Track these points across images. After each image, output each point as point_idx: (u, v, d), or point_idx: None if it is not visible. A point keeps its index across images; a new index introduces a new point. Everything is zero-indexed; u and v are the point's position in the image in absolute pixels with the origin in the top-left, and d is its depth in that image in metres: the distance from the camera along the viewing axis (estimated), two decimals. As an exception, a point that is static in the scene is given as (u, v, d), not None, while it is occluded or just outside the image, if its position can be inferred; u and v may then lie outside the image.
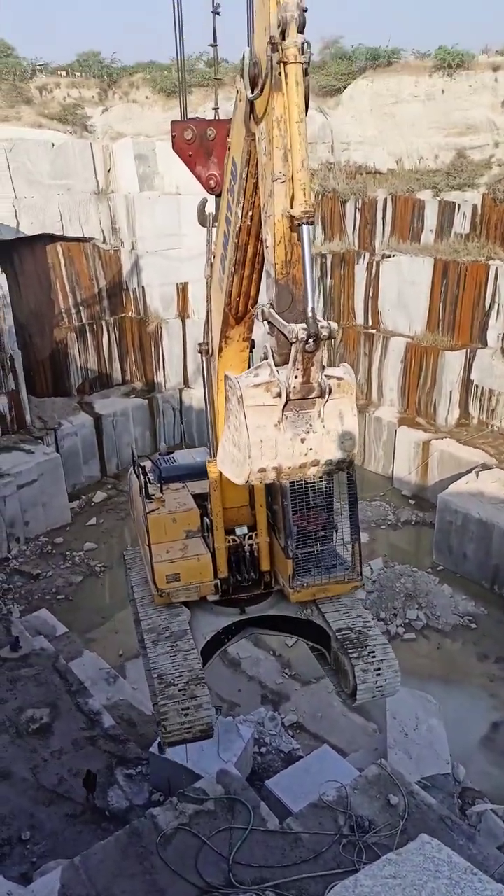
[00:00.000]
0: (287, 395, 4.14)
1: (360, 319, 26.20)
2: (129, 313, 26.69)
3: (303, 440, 4.28)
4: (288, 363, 4.10)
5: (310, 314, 4.08)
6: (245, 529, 8.26)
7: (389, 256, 24.74)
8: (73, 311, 25.56)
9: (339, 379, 4.31)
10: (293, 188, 4.22)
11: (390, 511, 22.53)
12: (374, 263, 25.13)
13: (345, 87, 28.19)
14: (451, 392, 23.06)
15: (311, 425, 4.28)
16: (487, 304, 22.27)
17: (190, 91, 23.95)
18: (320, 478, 7.45)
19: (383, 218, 25.47)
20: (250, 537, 8.27)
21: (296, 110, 4.14)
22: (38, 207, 23.46)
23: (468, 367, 22.70)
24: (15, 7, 67.22)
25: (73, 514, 22.32)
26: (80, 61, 28.54)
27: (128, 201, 25.05)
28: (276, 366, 4.19)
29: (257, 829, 7.81)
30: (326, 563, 8.10)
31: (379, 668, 7.58)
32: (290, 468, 4.33)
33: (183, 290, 26.07)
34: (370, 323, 25.90)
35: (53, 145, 23.68)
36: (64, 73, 28.23)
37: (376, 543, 20.90)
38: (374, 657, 7.64)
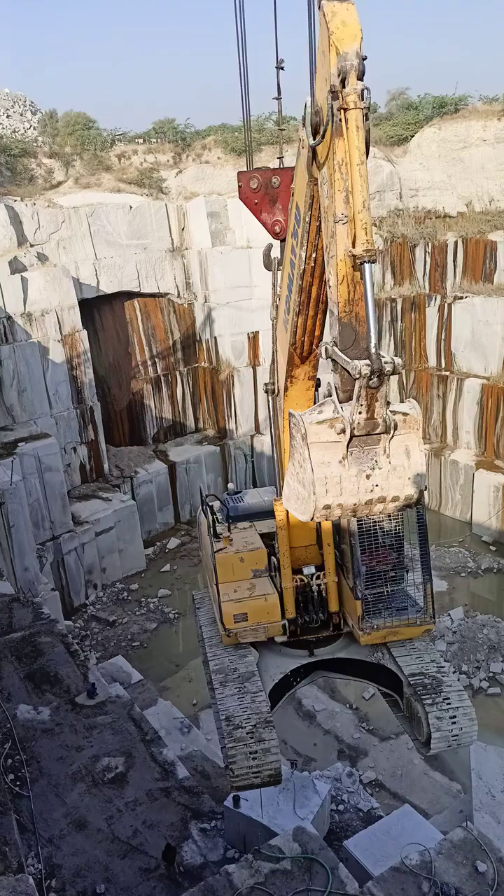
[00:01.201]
0: (351, 432, 4.13)
1: (432, 362, 25.91)
2: (202, 363, 27.39)
3: (368, 476, 4.25)
4: (352, 399, 4.11)
5: (373, 350, 4.11)
6: (313, 569, 8.15)
7: (462, 298, 24.52)
8: (149, 363, 26.48)
9: (405, 415, 4.28)
10: (355, 228, 4.30)
11: (470, 558, 21.73)
12: (446, 305, 24.94)
13: (412, 136, 28.59)
14: (531, 434, 22.31)
15: (376, 462, 4.25)
16: None
17: (259, 149, 24.92)
18: (389, 516, 7.28)
19: (454, 260, 25.35)
20: (318, 577, 8.15)
21: (356, 154, 4.26)
22: (117, 267, 24.68)
23: (548, 408, 21.96)
24: (96, 83, 72.38)
25: (147, 561, 22.66)
26: (155, 129, 30.19)
27: (201, 257, 26.01)
28: (341, 402, 4.21)
29: (336, 892, 7.46)
30: (397, 604, 7.85)
31: (454, 716, 7.23)
32: (355, 505, 4.29)
33: (254, 338, 26.60)
34: (443, 365, 25.56)
35: (131, 208, 25.01)
36: (141, 140, 29.92)
37: (456, 592, 20.13)
38: (448, 704, 7.31)
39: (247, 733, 7.03)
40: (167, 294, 26.42)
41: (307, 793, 9.91)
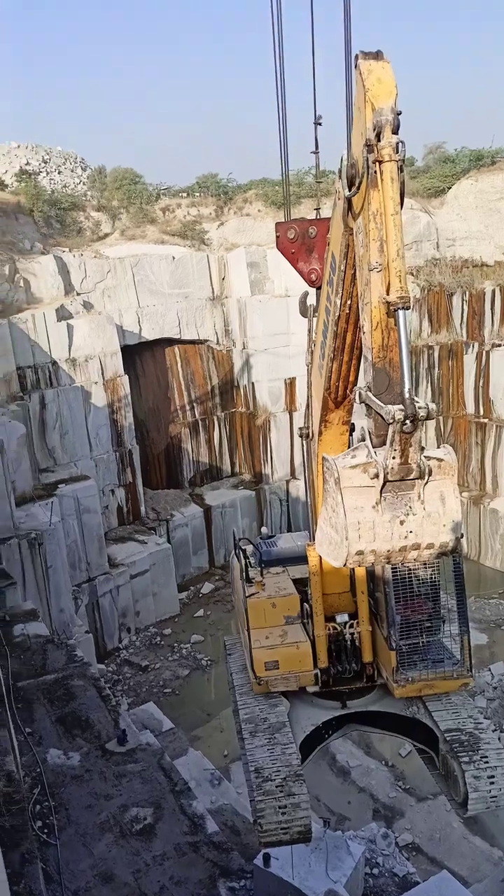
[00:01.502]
0: (385, 477, 4.12)
1: (470, 409, 25.72)
2: (240, 408, 27.69)
3: (402, 522, 4.21)
4: (386, 444, 4.12)
5: (406, 395, 4.13)
6: (346, 617, 7.99)
7: (500, 345, 24.44)
8: (188, 407, 26.89)
9: (440, 460, 4.26)
10: (389, 276, 4.39)
11: (511, 610, 21.10)
12: (484, 353, 24.87)
13: (449, 188, 29.04)
14: None
15: (410, 507, 4.22)
16: None
17: (298, 202, 25.57)
18: (424, 564, 7.16)
19: (492, 308, 25.37)
20: (351, 626, 7.98)
21: (391, 204, 4.37)
22: (159, 314, 25.37)
23: None
24: (143, 140, 75.66)
25: (181, 605, 22.58)
26: (199, 183, 31.32)
27: (240, 305, 26.56)
28: (374, 447, 4.22)
29: None
30: (433, 656, 7.63)
31: (493, 776, 6.92)
32: (388, 551, 4.25)
33: (290, 384, 26.85)
34: (481, 412, 25.34)
35: (174, 258, 25.81)
36: (185, 194, 31.04)
37: (497, 646, 19.50)
38: (486, 763, 7.00)
39: (276, 786, 6.85)
40: (206, 341, 26.96)
41: (340, 854, 9.56)
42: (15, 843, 7.98)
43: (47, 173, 28.52)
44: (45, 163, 28.68)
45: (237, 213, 30.26)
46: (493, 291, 25.30)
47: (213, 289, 26.88)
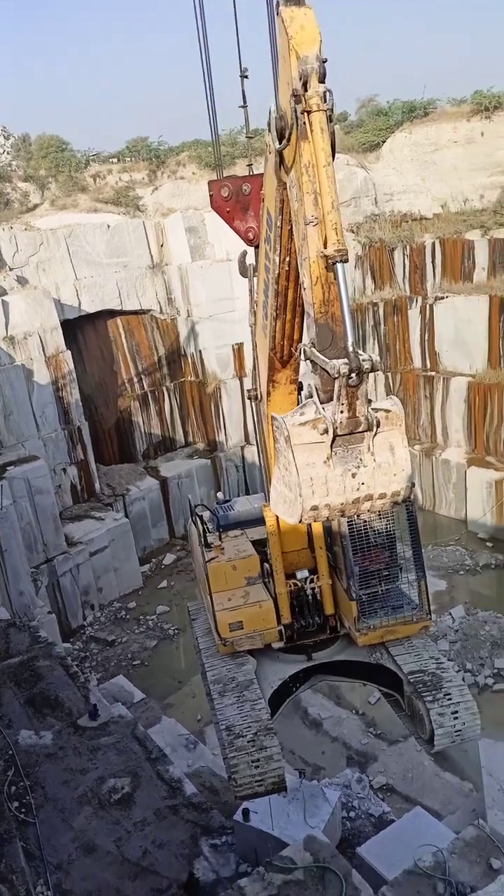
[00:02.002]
0: (334, 431, 4.12)
1: (417, 363, 26.03)
2: (189, 377, 27.40)
3: (354, 475, 4.23)
4: (333, 399, 4.11)
5: (350, 349, 4.11)
6: (306, 573, 8.10)
7: (443, 298, 24.68)
8: (135, 379, 26.45)
9: (387, 411, 4.27)
10: (325, 229, 4.32)
11: (467, 556, 21.71)
12: (428, 307, 25.09)
13: (384, 142, 28.88)
14: (519, 428, 22.40)
15: (361, 460, 4.24)
16: (549, 336, 21.78)
17: (233, 162, 25.05)
18: (379, 515, 7.29)
19: (433, 262, 25.54)
20: (312, 580, 8.10)
21: (322, 155, 4.27)
22: (98, 286, 24.69)
23: (535, 402, 22.07)
24: (67, 105, 72.86)
25: (144, 578, 22.51)
26: (129, 148, 30.35)
27: (181, 272, 26.07)
28: (322, 403, 4.19)
29: (351, 900, 7.34)
30: (392, 603, 7.83)
31: (456, 711, 7.16)
32: (342, 504, 4.27)
33: (238, 350, 26.63)
34: (428, 365, 25.68)
35: (108, 227, 25.06)
36: (115, 160, 30.06)
37: (455, 591, 20.09)
38: (450, 699, 7.23)
39: (248, 742, 6.95)
40: (150, 310, 26.44)
41: (317, 802, 9.79)
42: (-10, 824, 7.87)
43: (-32, 143, 27.21)
44: (-35, 132, 27.33)
45: (171, 177, 29.51)
46: (433, 244, 25.44)
47: (152, 256, 26.28)
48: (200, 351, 26.77)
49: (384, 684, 8.20)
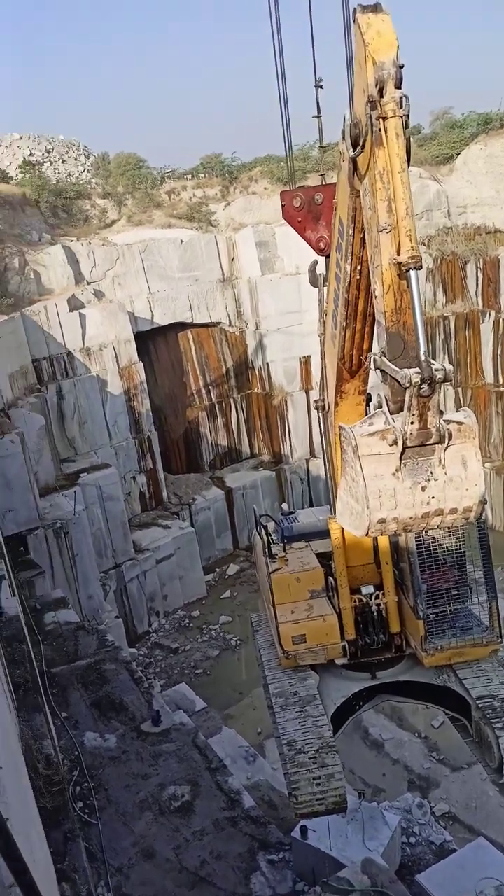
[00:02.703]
0: (404, 442, 4.04)
1: (489, 378, 25.41)
2: (256, 389, 27.63)
3: (423, 488, 4.13)
4: (403, 410, 4.03)
5: (422, 358, 4.04)
6: (371, 588, 7.94)
7: (517, 312, 24.07)
8: (204, 391, 26.88)
9: (460, 423, 4.16)
10: (399, 236, 4.27)
11: (539, 579, 20.97)
12: (501, 320, 24.48)
13: (457, 154, 28.45)
14: None
15: (431, 473, 4.13)
16: None
17: (304, 177, 25.23)
18: (448, 531, 7.12)
19: (507, 275, 24.92)
20: (377, 597, 7.94)
21: (397, 161, 4.25)
22: (170, 299, 25.29)
23: None
24: (144, 124, 75.03)
25: (207, 587, 22.76)
26: (203, 164, 31.00)
27: (251, 285, 26.38)
28: (392, 413, 4.13)
29: (409, 929, 7.22)
30: (461, 624, 7.57)
31: None
32: (411, 518, 4.17)
33: (305, 363, 26.69)
34: (501, 381, 25.03)
35: (182, 242, 25.65)
36: (189, 176, 30.77)
37: (525, 614, 19.41)
38: None
39: (309, 758, 6.89)
40: (219, 323, 26.85)
41: (377, 824, 9.66)
42: (56, 822, 8.15)
43: (51, 163, 28.41)
44: (48, 152, 28.57)
45: (243, 192, 29.94)
46: (508, 257, 24.84)
47: (222, 270, 26.71)
48: (268, 363, 26.96)
49: (450, 708, 7.98)
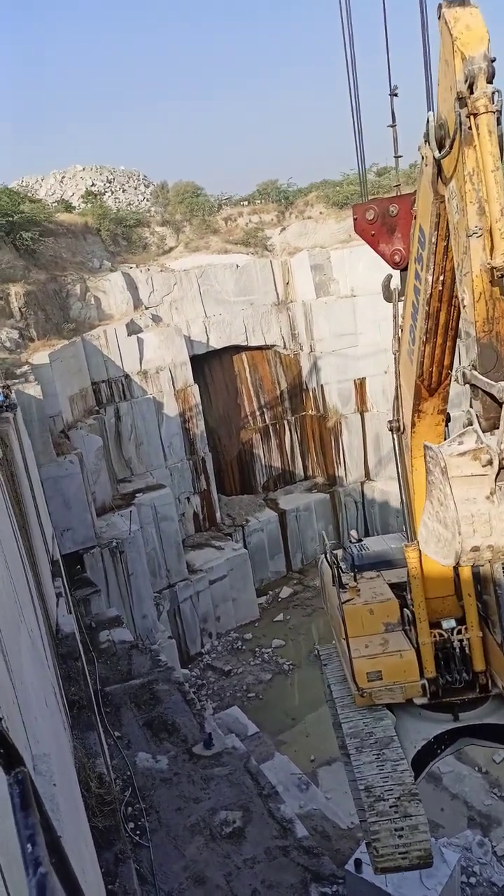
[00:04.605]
0: (500, 463, 3.76)
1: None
2: (310, 411, 27.58)
3: None
4: (498, 428, 3.77)
5: None
6: (453, 622, 7.41)
7: None
8: (258, 413, 27.00)
9: None
10: (492, 239, 4.03)
11: None
12: None
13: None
14: None
15: None
16: None
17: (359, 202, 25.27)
18: None
19: None
20: (459, 631, 7.38)
21: (490, 160, 4.03)
22: (226, 323, 25.63)
23: None
24: (203, 154, 76.96)
25: (260, 610, 22.61)
26: (259, 190, 31.50)
27: (305, 308, 26.50)
28: (484, 431, 3.87)
29: None
30: None
31: None
32: None
33: (360, 385, 26.52)
34: None
35: (237, 267, 26.03)
36: (245, 203, 31.30)
37: None
38: None
39: (390, 807, 6.36)
40: (273, 346, 27.02)
41: (435, 861, 9.28)
42: (108, 842, 8.15)
43: (112, 192, 29.36)
44: (110, 182, 29.54)
45: (299, 217, 30.23)
46: None
47: (277, 294, 26.94)
48: (322, 385, 26.92)
49: None
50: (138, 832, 10.11)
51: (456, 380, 4.36)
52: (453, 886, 9.35)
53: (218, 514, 24.05)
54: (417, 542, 6.88)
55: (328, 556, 8.78)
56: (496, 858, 11.22)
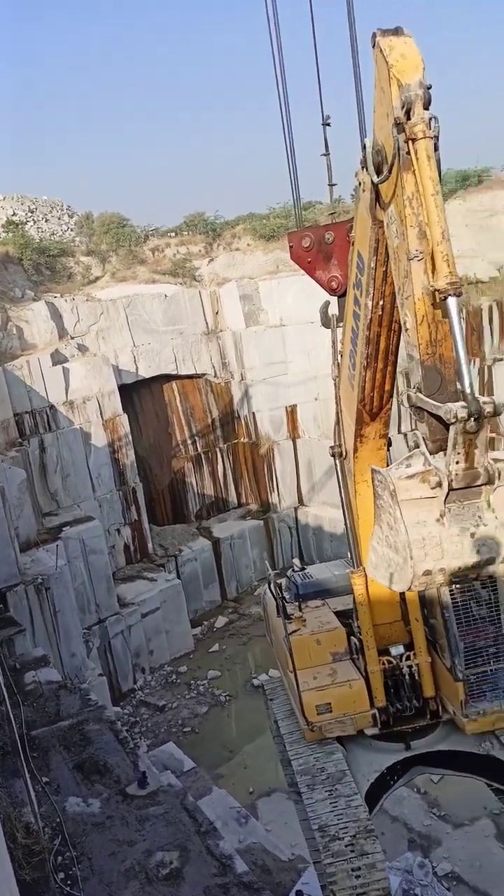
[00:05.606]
0: (449, 485, 3.75)
1: (473, 424, 25.61)
2: (242, 439, 27.64)
3: (473, 535, 3.80)
4: (443, 450, 3.78)
5: (468, 390, 3.79)
6: (401, 648, 7.32)
7: (501, 360, 24.57)
8: (189, 441, 26.84)
9: None
10: (434, 262, 4.09)
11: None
12: (486, 368, 24.91)
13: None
14: None
15: (480, 517, 3.81)
16: None
17: (286, 235, 25.88)
18: (482, 583, 6.45)
19: (490, 323, 25.51)
20: (408, 657, 7.29)
21: (430, 184, 4.10)
22: (155, 352, 25.50)
23: None
24: (128, 184, 77.37)
25: (195, 641, 22.18)
26: (186, 222, 31.82)
27: (235, 337, 26.72)
28: (431, 453, 3.87)
29: None
30: (503, 685, 6.85)
31: None
32: (460, 568, 3.81)
33: (291, 412, 26.84)
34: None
35: (166, 297, 26.05)
36: (173, 234, 31.51)
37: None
38: None
39: (346, 846, 6.13)
40: (204, 374, 27.04)
41: (377, 887, 9.13)
42: None
43: (34, 222, 28.97)
44: (32, 212, 29.16)
45: (226, 249, 30.65)
46: (490, 307, 25.47)
47: (207, 323, 27.07)
48: (254, 413, 27.07)
49: (494, 778, 7.30)
50: (69, 882, 9.53)
51: (401, 403, 4.38)
52: (396, 912, 9.22)
53: (150, 545, 23.58)
54: (363, 569, 6.92)
55: (272, 586, 8.52)
56: (437, 879, 11.16)
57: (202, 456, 27.02)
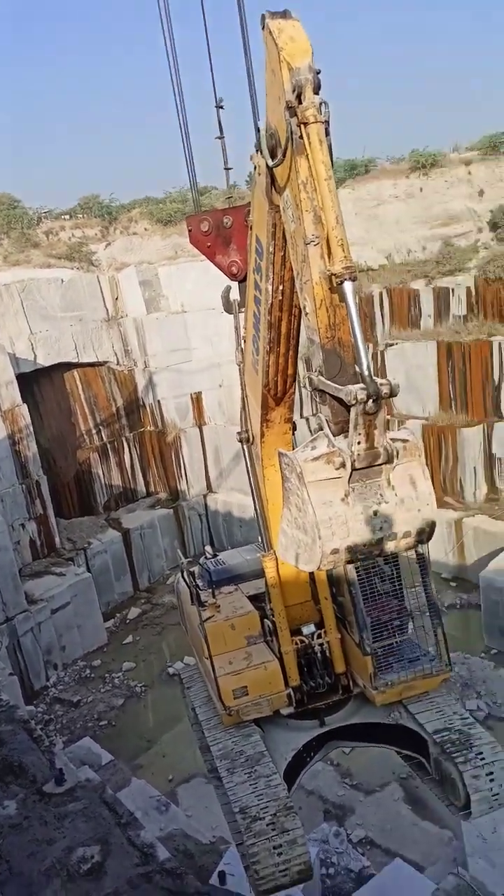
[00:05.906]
0: (352, 465, 3.84)
1: (372, 407, 26.52)
2: (148, 427, 27.37)
3: (375, 512, 3.92)
4: (346, 432, 3.86)
5: (366, 373, 3.86)
6: (312, 627, 7.47)
7: (393, 345, 25.42)
8: (94, 431, 26.28)
9: (405, 441, 4.04)
10: (330, 246, 4.10)
11: (431, 595, 21.85)
12: (379, 353, 25.78)
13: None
14: (474, 468, 22.94)
15: (381, 495, 3.94)
16: (497, 379, 22.56)
17: (183, 220, 25.67)
18: (385, 559, 6.66)
19: (381, 310, 26.38)
20: (319, 636, 7.46)
21: (323, 168, 4.09)
22: (53, 339, 24.69)
23: (488, 442, 22.68)
24: (18, 163, 73.93)
25: (108, 634, 21.92)
26: (81, 205, 30.87)
27: (137, 324, 26.30)
28: (334, 435, 3.95)
29: None
30: (408, 656, 7.15)
31: (492, 773, 6.48)
32: (364, 545, 3.92)
33: (197, 399, 26.82)
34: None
35: (63, 281, 25.22)
36: (67, 216, 30.50)
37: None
38: (482, 759, 6.55)
39: (267, 825, 6.19)
40: (106, 362, 26.49)
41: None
42: (-47, 907, 7.40)
43: None
44: None
45: (124, 233, 30.04)
46: (381, 294, 26.33)
47: (107, 309, 26.48)
48: (159, 401, 26.84)
49: (405, 747, 7.47)
50: (-14, 890, 9.32)
51: (304, 386, 4.53)
52: (314, 881, 9.64)
53: (57, 539, 22.98)
54: (274, 552, 7.03)
55: (185, 574, 8.55)
56: (352, 845, 11.74)
57: (108, 446, 26.55)
